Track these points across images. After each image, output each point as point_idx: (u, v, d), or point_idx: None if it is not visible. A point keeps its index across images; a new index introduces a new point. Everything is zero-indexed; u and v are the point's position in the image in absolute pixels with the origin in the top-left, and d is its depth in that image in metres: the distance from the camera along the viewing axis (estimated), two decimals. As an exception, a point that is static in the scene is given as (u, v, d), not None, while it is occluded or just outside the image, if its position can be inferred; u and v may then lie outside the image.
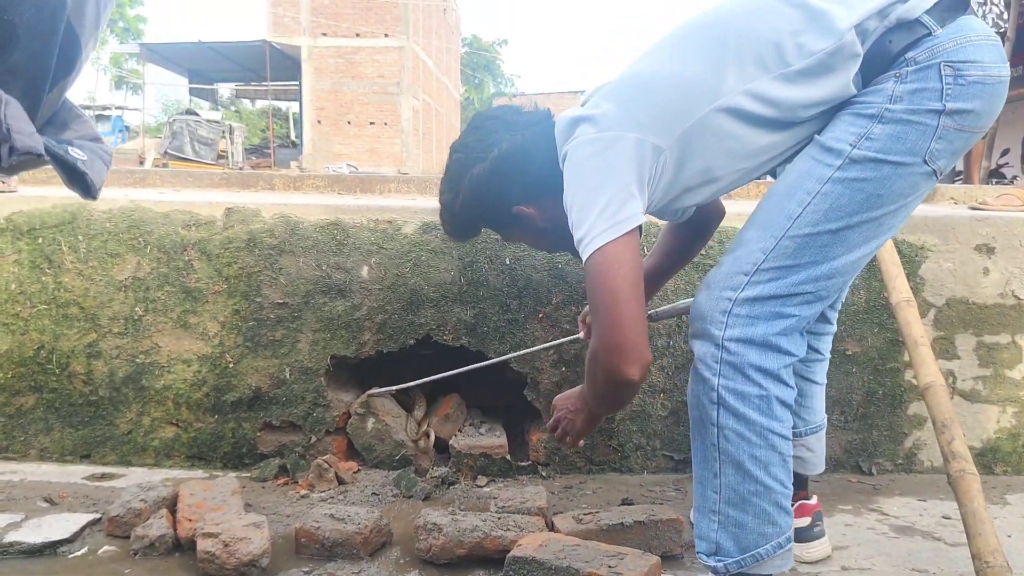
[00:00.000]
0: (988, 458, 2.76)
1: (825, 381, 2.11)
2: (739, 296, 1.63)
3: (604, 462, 2.73)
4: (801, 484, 2.12)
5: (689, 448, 2.70)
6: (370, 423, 2.70)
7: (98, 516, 2.28)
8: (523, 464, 2.72)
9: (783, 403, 1.64)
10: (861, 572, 2.08)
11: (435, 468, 2.70)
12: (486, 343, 2.69)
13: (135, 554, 2.10)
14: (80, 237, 2.70)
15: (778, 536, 1.66)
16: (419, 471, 2.69)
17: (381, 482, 2.61)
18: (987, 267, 2.72)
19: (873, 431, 2.74)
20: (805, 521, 2.10)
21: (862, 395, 2.73)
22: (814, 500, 2.14)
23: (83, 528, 2.22)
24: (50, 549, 2.12)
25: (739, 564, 1.65)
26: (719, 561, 1.67)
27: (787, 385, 1.65)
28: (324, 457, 2.63)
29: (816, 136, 1.67)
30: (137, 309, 2.67)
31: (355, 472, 2.67)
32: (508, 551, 1.99)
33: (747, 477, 1.62)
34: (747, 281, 1.63)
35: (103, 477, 2.62)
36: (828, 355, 2.10)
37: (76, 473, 2.65)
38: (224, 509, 2.20)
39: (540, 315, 2.68)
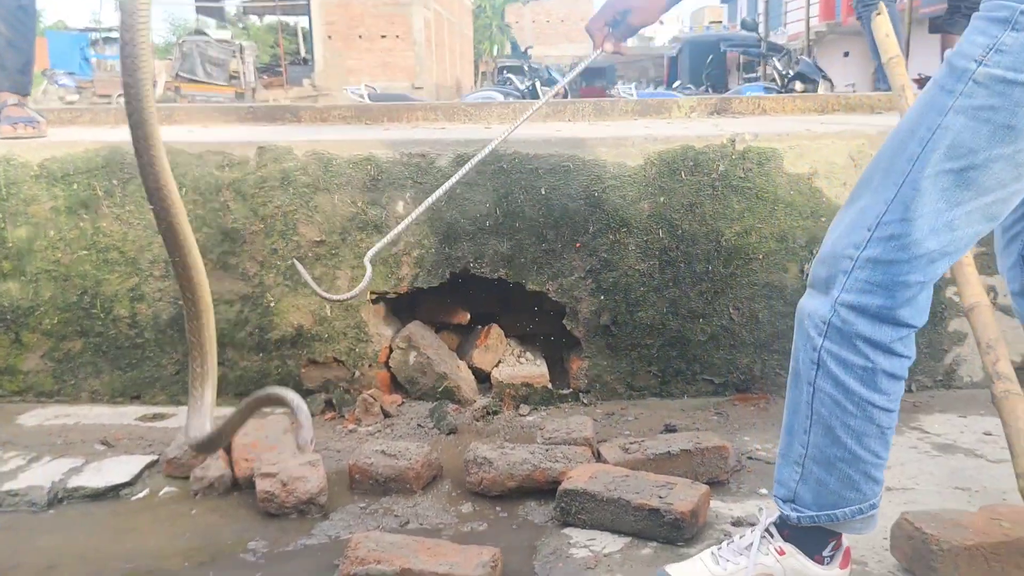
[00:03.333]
0: (1028, 372, 2.76)
1: None
2: (861, 255, 1.46)
3: (644, 388, 2.76)
4: None
5: (729, 372, 2.74)
6: (412, 357, 2.73)
7: (155, 458, 2.35)
8: (564, 392, 2.75)
9: (891, 376, 1.50)
10: (904, 492, 2.11)
11: (479, 398, 2.74)
12: (524, 274, 2.69)
13: (195, 494, 2.17)
14: (115, 182, 2.70)
15: (860, 503, 1.57)
16: (462, 402, 2.73)
17: (425, 414, 2.65)
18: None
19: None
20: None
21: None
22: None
23: (142, 470, 2.28)
24: (112, 492, 2.19)
25: (813, 519, 1.59)
26: (795, 511, 1.60)
27: (900, 356, 1.49)
28: (369, 392, 2.68)
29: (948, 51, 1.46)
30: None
31: (399, 405, 2.72)
32: (557, 482, 2.04)
33: (836, 443, 1.53)
34: (869, 237, 1.45)
35: (155, 418, 2.69)
36: None
37: (128, 414, 2.71)
38: (278, 448, 2.25)
39: (577, 244, 2.67)
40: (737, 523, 1.95)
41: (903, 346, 1.49)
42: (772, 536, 1.63)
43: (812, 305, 1.53)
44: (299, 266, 1.89)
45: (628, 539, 1.89)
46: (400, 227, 1.96)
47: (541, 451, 2.19)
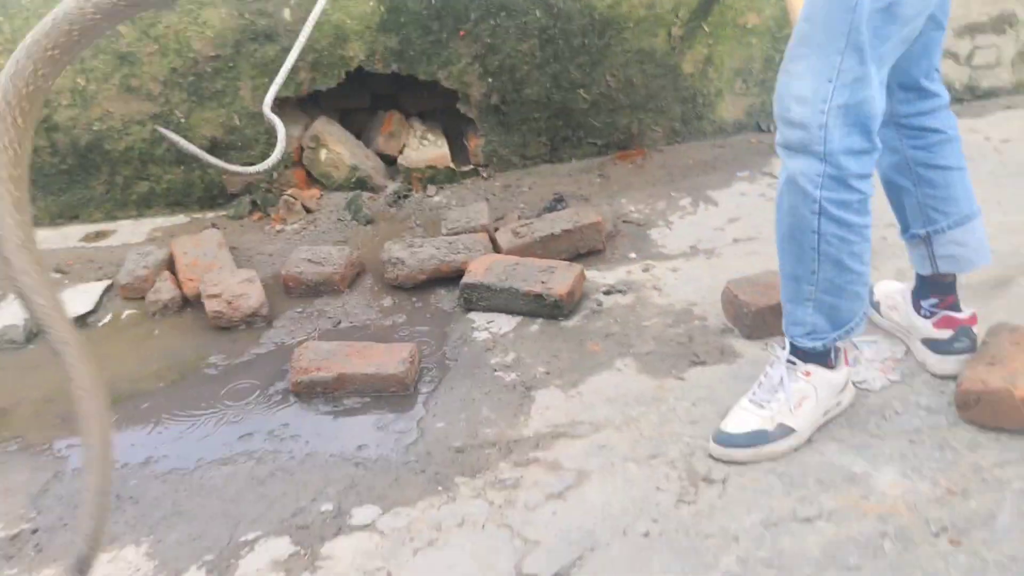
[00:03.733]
0: (872, 103, 3.11)
1: (963, 164, 1.91)
2: (831, 107, 1.58)
3: (536, 156, 3.07)
4: (949, 288, 1.98)
5: (610, 134, 3.04)
6: (323, 154, 2.98)
7: (109, 282, 2.66)
8: (466, 170, 3.06)
9: (871, 194, 1.68)
10: (750, 242, 2.54)
11: (389, 183, 3.04)
12: (415, 66, 2.88)
13: (153, 315, 2.52)
14: (2, 18, 2.74)
15: (863, 308, 1.78)
16: (375, 189, 3.02)
17: (343, 206, 2.96)
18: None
19: (771, 93, 3.04)
20: (946, 334, 1.95)
21: (761, 63, 3.00)
22: (965, 314, 1.97)
23: (101, 297, 2.61)
24: (80, 321, 2.53)
25: (835, 339, 1.79)
26: (816, 339, 1.78)
27: (871, 175, 1.67)
28: (289, 191, 2.96)
29: None
30: (79, 81, 2.80)
31: (318, 199, 3.01)
32: (461, 271, 2.43)
33: (846, 271, 1.71)
34: (834, 88, 1.58)
35: (98, 236, 2.95)
36: (953, 131, 1.89)
37: (72, 235, 2.97)
38: (218, 266, 2.58)
39: (462, 33, 2.84)
40: (608, 291, 2.38)
41: (873, 164, 1.68)
42: (795, 364, 1.81)
43: (801, 165, 1.64)
44: (180, 140, 1.95)
45: (520, 318, 2.31)
46: (284, 68, 2.13)
47: (445, 244, 2.54)
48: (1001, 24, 3.03)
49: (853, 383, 1.92)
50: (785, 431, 1.78)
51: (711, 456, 1.79)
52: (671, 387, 2.00)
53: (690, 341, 2.16)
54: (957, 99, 3.11)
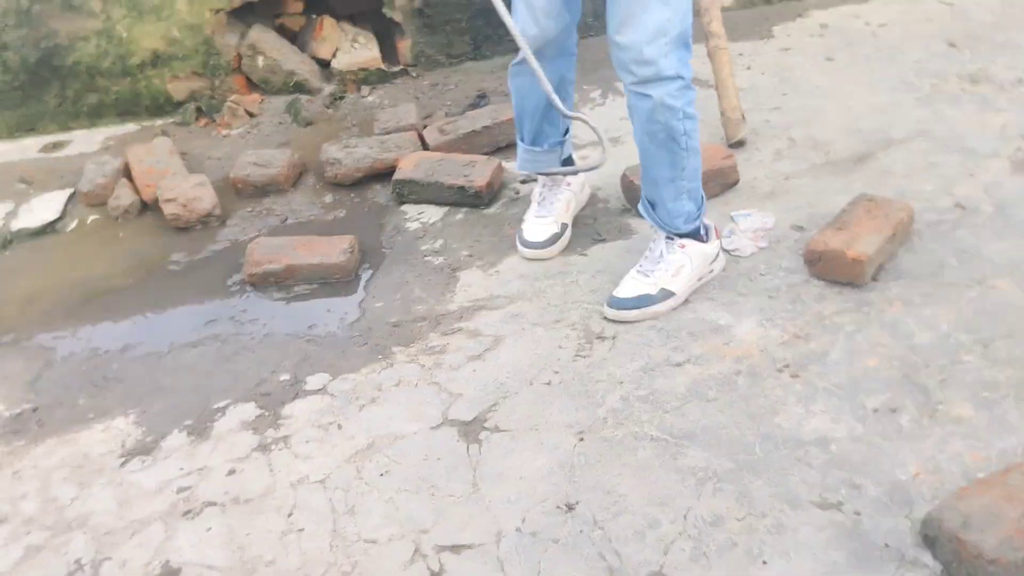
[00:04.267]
0: (767, -8, 3.37)
1: None
2: (671, 38, 1.93)
3: (461, 55, 3.31)
4: None
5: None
6: (260, 61, 3.20)
7: (71, 191, 2.90)
8: (396, 70, 3.29)
9: None
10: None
11: (325, 85, 3.27)
12: (341, -25, 3.08)
13: (116, 219, 2.78)
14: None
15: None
16: (312, 92, 3.25)
17: (283, 109, 3.19)
18: None
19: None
20: None
21: None
22: None
23: (65, 204, 2.85)
24: (49, 228, 2.78)
25: (700, 215, 2.15)
26: (693, 222, 2.13)
27: None
28: (233, 97, 3.18)
29: None
30: (23, 2, 2.96)
31: (260, 103, 3.24)
32: (393, 167, 2.71)
33: (697, 158, 2.09)
34: (668, 22, 1.92)
35: (55, 147, 3.16)
36: None
37: (30, 147, 3.17)
38: (171, 172, 2.82)
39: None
40: (524, 180, 2.68)
41: None
42: (673, 239, 2.15)
43: (663, 89, 1.96)
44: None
45: (446, 209, 2.62)
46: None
47: (378, 144, 2.81)
48: (882, -85, 3.29)
49: (727, 250, 2.28)
50: (666, 294, 2.14)
51: (605, 318, 2.14)
52: (575, 262, 2.34)
53: (594, 221, 2.49)
54: (844, -14, 3.39)
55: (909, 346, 1.94)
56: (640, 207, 2.20)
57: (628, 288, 2.16)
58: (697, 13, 2.64)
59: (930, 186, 2.41)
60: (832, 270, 2.12)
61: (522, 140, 2.39)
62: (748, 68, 3.12)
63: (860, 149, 2.63)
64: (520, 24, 2.09)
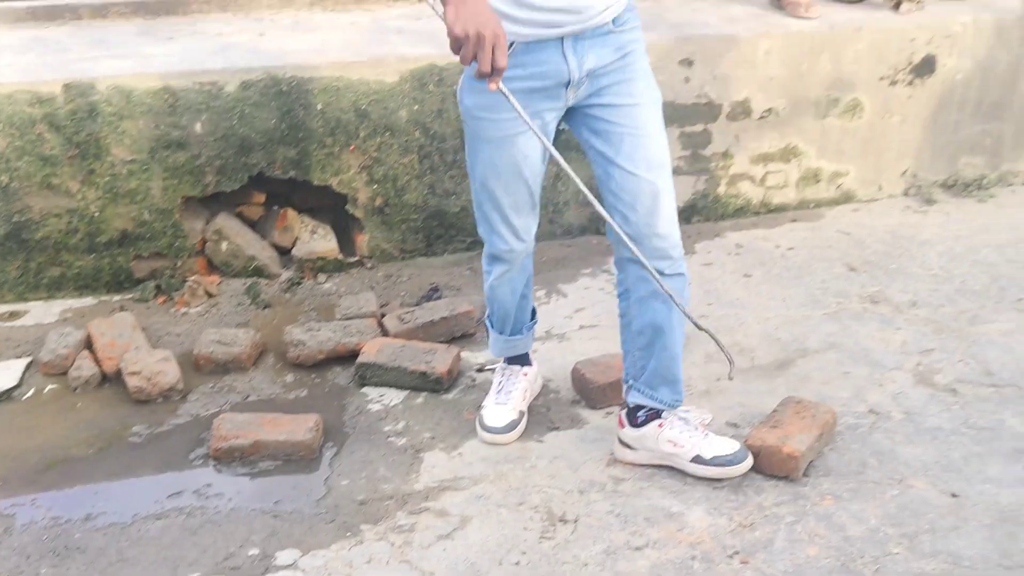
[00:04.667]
0: (687, 213, 3.78)
1: None
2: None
3: (414, 250, 3.56)
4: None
5: (476, 233, 3.56)
6: (224, 245, 3.37)
7: (29, 359, 2.93)
8: (352, 261, 3.50)
9: None
10: (592, 328, 3.10)
11: (284, 271, 3.45)
12: (310, 173, 3.33)
13: (75, 390, 2.81)
14: (-71, 119, 3.02)
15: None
16: (271, 276, 3.42)
17: (242, 291, 3.34)
18: (688, 76, 3.55)
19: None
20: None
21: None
22: None
23: (24, 373, 2.88)
24: (6, 395, 2.79)
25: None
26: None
27: None
28: (193, 277, 3.31)
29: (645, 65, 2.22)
30: (3, 178, 3.09)
31: (219, 284, 3.38)
32: (355, 351, 2.86)
33: None
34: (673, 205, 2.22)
35: (11, 316, 3.20)
36: None
37: (-16, 315, 3.21)
38: (134, 346, 2.90)
39: (352, 147, 3.32)
40: (480, 369, 2.87)
41: None
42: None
43: (682, 281, 2.26)
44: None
45: (407, 392, 2.76)
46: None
47: (340, 328, 2.98)
48: (787, 155, 3.79)
49: (670, 441, 2.47)
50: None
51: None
52: (533, 448, 2.51)
53: (548, 411, 2.67)
54: (754, 212, 3.84)
55: (843, 537, 2.15)
56: (640, 397, 2.37)
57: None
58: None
59: (845, 393, 2.71)
60: (768, 465, 2.34)
61: (502, 332, 2.58)
62: (676, 278, 3.47)
63: (781, 356, 2.94)
64: (507, 243, 2.35)
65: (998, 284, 3.30)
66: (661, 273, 2.15)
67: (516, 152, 2.20)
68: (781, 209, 3.89)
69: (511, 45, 1.98)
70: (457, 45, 1.77)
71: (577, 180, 2.02)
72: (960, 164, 4.01)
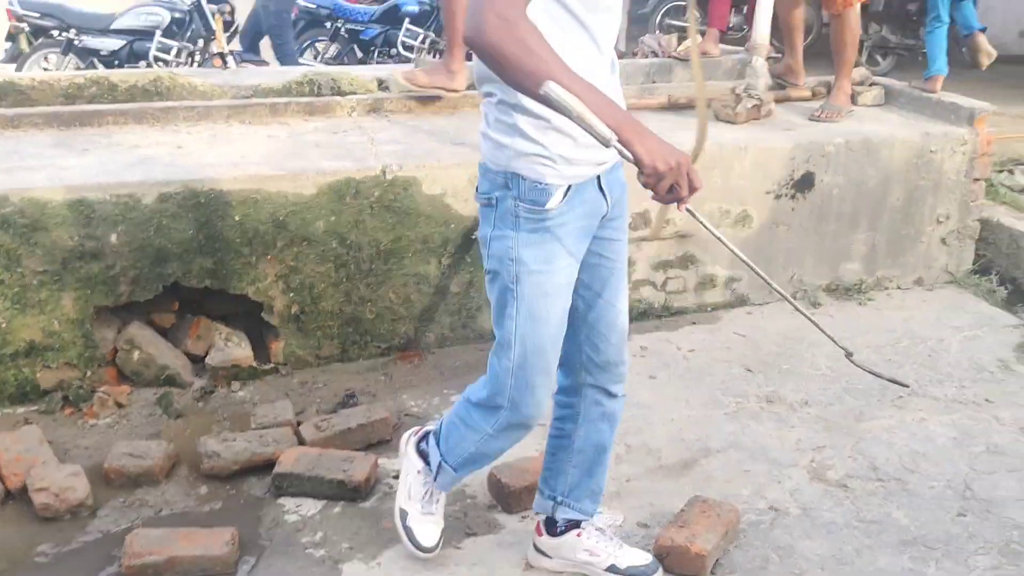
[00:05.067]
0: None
1: None
2: None
3: (330, 356, 3.60)
4: None
5: (392, 339, 3.65)
6: (136, 355, 3.35)
7: (-72, 479, 2.84)
8: (267, 368, 3.53)
9: None
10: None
11: (196, 380, 3.44)
12: (227, 282, 3.38)
13: (-24, 508, 2.73)
14: None
15: None
16: (183, 385, 3.41)
17: (153, 401, 3.31)
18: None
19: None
20: None
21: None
22: None
23: (-80, 491, 2.78)
24: (-100, 515, 2.69)
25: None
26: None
27: None
28: (103, 388, 3.28)
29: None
30: (-87, 301, 3.03)
31: (129, 394, 3.34)
32: (271, 461, 2.87)
33: None
34: None
35: (-95, 434, 3.10)
36: None
37: None
38: (41, 461, 2.84)
39: (269, 257, 3.38)
40: (397, 476, 2.91)
41: None
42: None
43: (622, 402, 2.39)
44: None
45: (325, 502, 2.78)
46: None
47: (255, 438, 2.99)
48: (685, 262, 4.03)
49: (587, 551, 2.54)
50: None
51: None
52: (451, 555, 2.55)
53: (464, 516, 2.73)
54: (657, 316, 4.04)
55: (751, 631, 2.26)
56: (569, 512, 2.43)
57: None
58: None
59: (746, 490, 2.86)
60: (678, 564, 2.45)
61: (457, 471, 2.43)
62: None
63: (686, 456, 3.08)
64: (543, 408, 2.25)
65: (880, 382, 3.54)
66: (614, 396, 2.33)
67: (568, 297, 2.16)
68: (681, 312, 4.10)
69: (567, 190, 2.02)
70: (656, 178, 1.79)
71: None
72: (840, 270, 4.32)
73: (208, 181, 3.27)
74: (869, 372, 2.42)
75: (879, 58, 9.31)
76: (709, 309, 4.15)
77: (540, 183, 1.99)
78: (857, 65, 4.89)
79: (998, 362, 3.75)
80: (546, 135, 1.96)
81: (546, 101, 1.74)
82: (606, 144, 1.77)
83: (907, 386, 2.37)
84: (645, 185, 1.81)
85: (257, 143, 3.73)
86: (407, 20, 7.90)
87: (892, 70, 9.05)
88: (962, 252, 4.50)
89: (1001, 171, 5.45)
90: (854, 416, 3.31)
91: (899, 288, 4.45)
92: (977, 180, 4.39)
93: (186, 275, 3.32)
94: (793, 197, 4.11)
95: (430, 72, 4.23)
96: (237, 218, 3.31)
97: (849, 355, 2.34)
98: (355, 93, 4.45)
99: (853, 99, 4.72)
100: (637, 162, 1.78)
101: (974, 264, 4.58)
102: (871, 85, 4.82)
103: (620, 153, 1.80)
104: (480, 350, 3.76)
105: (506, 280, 2.09)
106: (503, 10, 1.72)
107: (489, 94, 2.02)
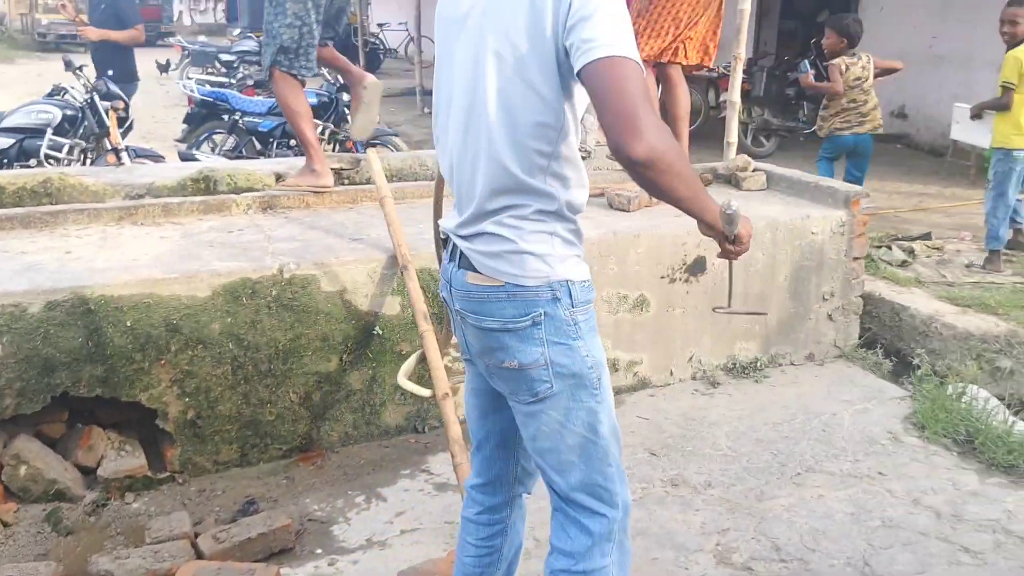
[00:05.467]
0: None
1: None
2: None
3: (228, 461, 3.51)
4: None
5: (293, 439, 3.57)
6: (23, 470, 3.20)
7: None
8: (162, 476, 3.41)
9: None
10: (414, 532, 3.14)
11: (88, 493, 3.30)
12: (118, 390, 3.27)
13: None
14: None
15: None
16: (73, 499, 3.26)
17: (42, 519, 3.16)
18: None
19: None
20: None
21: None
22: None
23: None
24: None
25: None
26: None
27: None
28: (-16, 508, 3.11)
29: None
30: None
31: (15, 511, 3.18)
32: (167, 577, 2.76)
33: None
34: None
35: None
36: None
37: None
38: (-86, 593, 2.67)
39: (162, 362, 3.30)
40: (301, 586, 2.83)
41: None
42: None
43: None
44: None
45: (224, 618, 2.68)
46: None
47: (150, 553, 2.87)
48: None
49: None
50: None
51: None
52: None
53: (371, 624, 2.67)
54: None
55: None
56: None
57: None
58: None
59: (656, 579, 2.88)
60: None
61: None
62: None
63: None
64: None
65: (778, 460, 3.64)
66: (529, 492, 2.31)
67: None
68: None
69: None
70: (742, 250, 2.05)
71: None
72: (736, 349, 4.46)
73: (98, 287, 3.19)
74: (733, 313, 2.81)
75: (763, 139, 9.80)
76: (613, 393, 4.20)
77: (587, 281, 1.98)
78: (741, 148, 5.14)
79: (888, 434, 3.89)
80: (578, 236, 1.99)
81: (729, 218, 1.94)
82: (728, 237, 2.01)
83: (765, 313, 2.72)
84: (738, 254, 2.07)
85: (149, 245, 3.67)
86: (306, 111, 7.94)
87: (776, 151, 9.53)
88: (848, 327, 4.70)
89: (880, 247, 5.76)
90: (755, 495, 3.38)
91: (792, 364, 4.61)
92: (857, 259, 4.62)
93: (75, 384, 3.21)
94: (687, 280, 4.25)
95: (300, 174, 4.40)
96: (128, 323, 3.23)
97: (715, 309, 2.63)
98: (252, 189, 4.44)
99: (738, 184, 4.94)
100: (737, 238, 2.01)
101: (860, 337, 4.79)
102: (754, 171, 5.06)
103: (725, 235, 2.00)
104: (384, 447, 3.73)
105: (590, 389, 1.97)
106: (660, 123, 1.73)
107: (514, 206, 1.91)
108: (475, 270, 1.95)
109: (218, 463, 3.49)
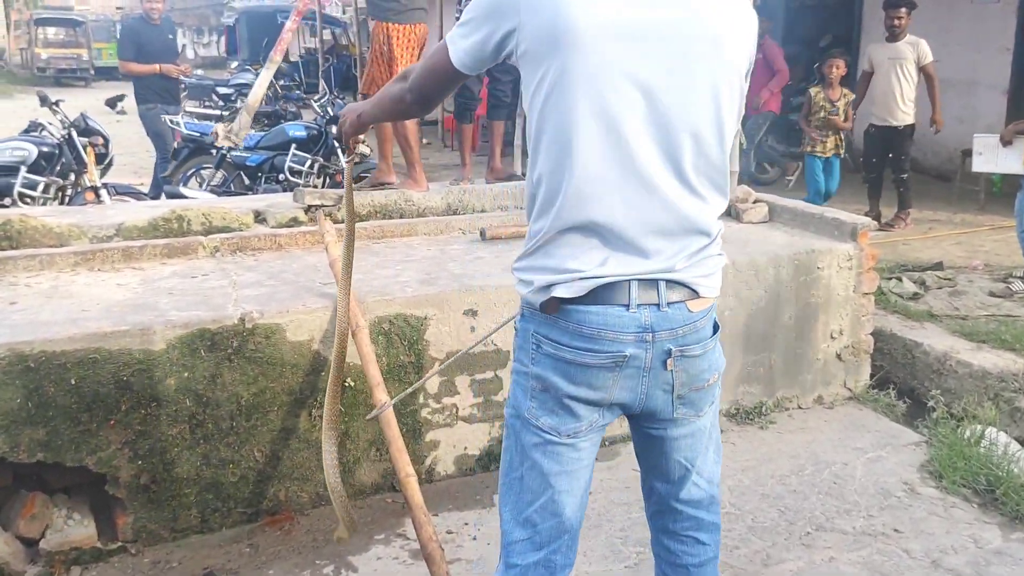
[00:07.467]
0: (485, 460, 3.69)
1: None
2: None
3: (187, 528, 3.22)
4: None
5: (259, 502, 3.29)
6: (-44, 546, 2.92)
7: None
8: (113, 547, 3.12)
9: None
10: (386, 608, 2.85)
11: (29, 567, 3.01)
12: (62, 454, 3.00)
13: None
14: None
15: None
16: (13, 575, 2.98)
17: (-24, 599, 2.88)
18: (473, 325, 3.56)
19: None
20: None
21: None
22: None
23: None
24: None
25: None
26: None
27: None
28: (-88, 588, 2.83)
29: None
30: None
31: (-53, 589, 2.90)
32: (105, 669, 2.47)
33: None
34: None
35: None
36: None
37: None
38: None
39: (112, 422, 3.03)
40: (255, 675, 2.54)
41: None
42: None
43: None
44: None
45: None
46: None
47: (89, 641, 2.59)
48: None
49: None
50: None
51: None
52: None
53: None
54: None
55: None
56: None
57: None
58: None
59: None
60: None
61: None
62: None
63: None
64: None
65: (786, 518, 3.35)
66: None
67: None
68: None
69: None
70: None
71: None
72: (739, 393, 4.17)
73: (39, 343, 2.92)
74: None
75: (767, 166, 9.56)
76: (606, 443, 3.92)
77: None
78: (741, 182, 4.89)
79: (903, 485, 3.60)
80: None
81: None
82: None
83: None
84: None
85: (103, 294, 3.40)
86: (294, 145, 7.71)
87: (780, 178, 9.29)
88: (859, 367, 4.42)
89: (890, 279, 5.48)
90: (761, 560, 3.09)
91: (800, 408, 4.32)
92: (866, 294, 4.34)
93: (13, 450, 2.94)
94: (684, 321, 3.97)
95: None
96: (73, 382, 2.96)
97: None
98: (229, 229, 4.19)
99: (738, 216, 4.68)
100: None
101: (872, 377, 4.50)
102: (755, 203, 4.80)
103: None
104: (358, 507, 3.44)
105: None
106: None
107: None
108: (694, 298, 1.89)
109: (175, 530, 3.21)
